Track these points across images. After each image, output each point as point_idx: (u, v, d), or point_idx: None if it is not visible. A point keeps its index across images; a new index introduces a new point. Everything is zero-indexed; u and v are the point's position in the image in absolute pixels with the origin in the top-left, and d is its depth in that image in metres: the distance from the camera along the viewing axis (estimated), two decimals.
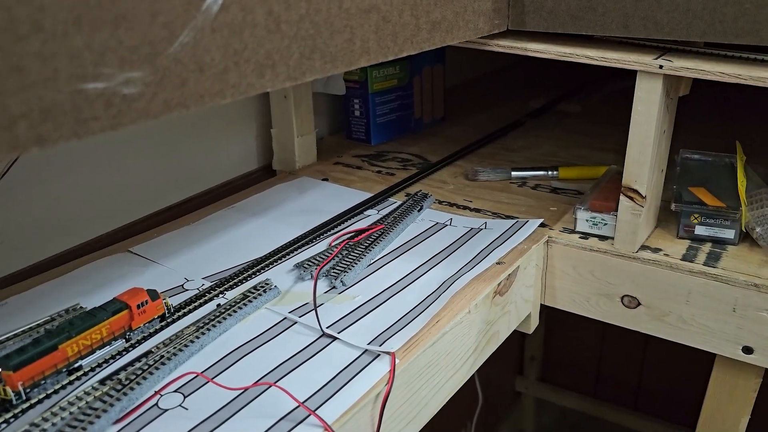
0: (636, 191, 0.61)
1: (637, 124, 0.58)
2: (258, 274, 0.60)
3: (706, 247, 0.64)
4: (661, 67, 0.55)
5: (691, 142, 0.79)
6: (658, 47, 0.59)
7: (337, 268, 0.59)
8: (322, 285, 0.58)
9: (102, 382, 0.45)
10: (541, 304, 0.71)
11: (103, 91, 0.28)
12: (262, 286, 0.56)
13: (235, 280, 0.58)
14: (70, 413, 0.41)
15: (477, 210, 0.73)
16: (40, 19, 0.25)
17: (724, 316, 0.60)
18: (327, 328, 0.51)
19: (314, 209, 0.73)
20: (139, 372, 0.45)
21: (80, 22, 0.26)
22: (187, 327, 0.51)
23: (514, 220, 0.69)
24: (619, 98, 1.11)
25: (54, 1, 0.25)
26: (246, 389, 0.44)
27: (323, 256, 0.61)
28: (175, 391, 0.45)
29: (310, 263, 0.60)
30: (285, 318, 0.53)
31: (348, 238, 0.64)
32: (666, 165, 0.65)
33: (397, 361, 0.47)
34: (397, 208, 0.72)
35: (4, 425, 0.42)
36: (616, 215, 0.63)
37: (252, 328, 0.52)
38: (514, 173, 0.82)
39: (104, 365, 0.47)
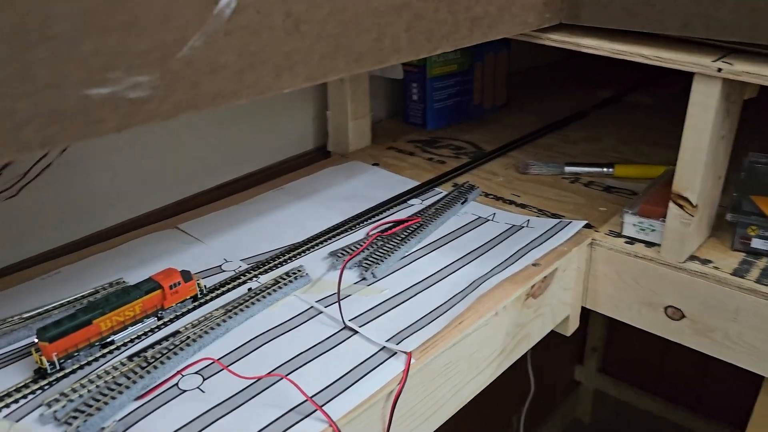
0: (686, 199, 0.58)
1: (691, 129, 0.55)
2: (293, 259, 0.61)
3: (762, 262, 0.60)
4: (719, 70, 0.51)
5: (762, 145, 0.74)
6: (721, 47, 0.55)
7: (370, 259, 0.59)
8: (354, 275, 0.58)
9: (130, 358, 0.47)
10: (582, 307, 0.69)
11: (109, 96, 0.29)
12: (294, 273, 0.57)
13: (270, 265, 0.59)
14: (97, 386, 0.44)
15: (523, 206, 0.72)
16: (48, 28, 0.26)
17: None
18: (350, 320, 0.52)
19: (359, 195, 0.73)
20: (165, 351, 0.47)
21: (88, 30, 0.27)
22: (216, 309, 0.53)
23: (558, 220, 0.67)
24: None
25: (62, 9, 0.26)
26: (258, 379, 0.45)
27: (357, 246, 0.61)
28: (196, 372, 0.47)
29: (343, 252, 0.60)
30: (311, 307, 0.54)
31: (383, 229, 0.64)
32: (725, 171, 0.62)
33: (413, 361, 0.48)
34: (441, 199, 0.71)
35: (39, 391, 0.45)
36: (665, 222, 0.60)
37: (278, 315, 0.53)
38: (567, 168, 0.79)
39: (136, 341, 0.50)
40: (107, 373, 0.46)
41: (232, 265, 0.60)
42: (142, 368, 0.46)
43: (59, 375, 0.46)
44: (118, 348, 0.49)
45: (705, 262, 0.60)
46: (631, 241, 0.64)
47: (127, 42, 0.29)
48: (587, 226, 0.66)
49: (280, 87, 0.36)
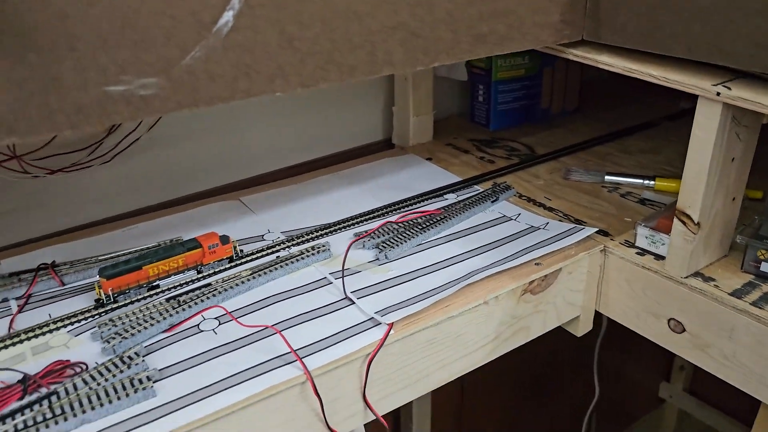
0: (689, 216, 0.59)
1: (694, 149, 0.57)
2: (324, 236, 0.69)
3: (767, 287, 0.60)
4: (718, 94, 0.53)
5: None
6: (735, 70, 0.56)
7: (388, 242, 0.67)
8: (370, 255, 0.66)
9: (167, 299, 0.58)
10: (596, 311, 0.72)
11: (123, 93, 0.39)
12: (319, 248, 0.66)
13: (303, 239, 0.69)
14: (137, 318, 0.55)
15: (550, 209, 0.75)
16: (74, 44, 0.36)
17: (766, 361, 0.57)
18: (351, 292, 0.60)
19: (404, 186, 0.81)
20: (195, 298, 0.58)
21: (105, 46, 0.37)
22: (245, 270, 0.63)
23: (572, 225, 0.70)
24: None
25: (84, 31, 0.36)
26: (258, 328, 0.54)
27: (378, 230, 0.69)
28: (215, 318, 0.57)
29: (363, 234, 0.68)
30: (324, 278, 0.62)
31: (401, 217, 0.71)
32: (742, 194, 0.62)
33: (392, 332, 0.55)
34: (474, 195, 0.77)
35: (97, 316, 0.57)
36: None
37: (295, 281, 0.62)
38: (607, 177, 0.81)
39: (178, 288, 0.61)
40: (147, 309, 0.57)
41: (272, 236, 0.70)
42: (174, 309, 0.57)
43: (112, 306, 0.58)
44: (162, 291, 0.60)
45: (708, 279, 0.61)
46: (642, 252, 0.66)
47: (137, 54, 0.38)
48: (604, 233, 0.69)
49: (273, 90, 0.44)
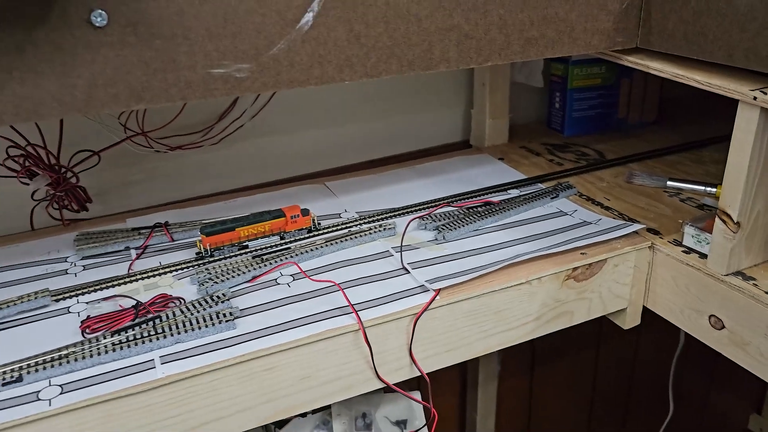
0: (729, 216, 0.63)
1: (735, 151, 0.60)
2: (392, 218, 0.78)
3: None
4: (755, 98, 0.57)
5: None
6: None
7: (447, 225, 0.74)
8: (430, 235, 0.74)
9: (253, 257, 0.69)
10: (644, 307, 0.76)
11: (222, 74, 0.49)
12: (386, 226, 0.74)
13: (374, 218, 0.78)
14: (227, 268, 0.67)
15: (608, 208, 0.80)
16: (187, 34, 0.47)
17: None
18: (408, 263, 0.68)
19: (471, 181, 0.88)
20: (275, 257, 0.68)
21: (210, 36, 0.48)
22: (320, 239, 0.72)
23: (622, 222, 0.74)
24: None
25: (196, 23, 0.47)
26: (324, 284, 0.64)
27: (435, 215, 0.76)
28: (290, 275, 0.67)
29: (426, 217, 0.76)
30: (387, 251, 0.71)
31: (461, 203, 0.78)
32: None
33: (438, 297, 0.62)
34: (536, 191, 0.83)
35: (196, 266, 0.69)
36: None
37: (361, 251, 0.71)
38: (669, 183, 0.84)
39: (263, 249, 0.71)
40: (236, 263, 0.68)
41: (348, 215, 0.80)
42: (257, 264, 0.67)
43: (209, 259, 0.69)
44: (250, 251, 0.71)
45: (748, 278, 0.64)
46: (688, 250, 0.70)
47: (234, 44, 0.49)
48: (654, 232, 0.73)
49: (342, 79, 0.54)
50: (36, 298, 0.62)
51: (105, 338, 0.56)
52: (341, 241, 0.72)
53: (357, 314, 0.59)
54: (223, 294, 0.62)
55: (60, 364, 0.53)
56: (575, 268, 0.69)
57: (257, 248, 0.72)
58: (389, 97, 0.97)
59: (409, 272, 0.67)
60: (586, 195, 0.84)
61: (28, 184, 0.73)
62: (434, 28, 0.56)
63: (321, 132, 0.94)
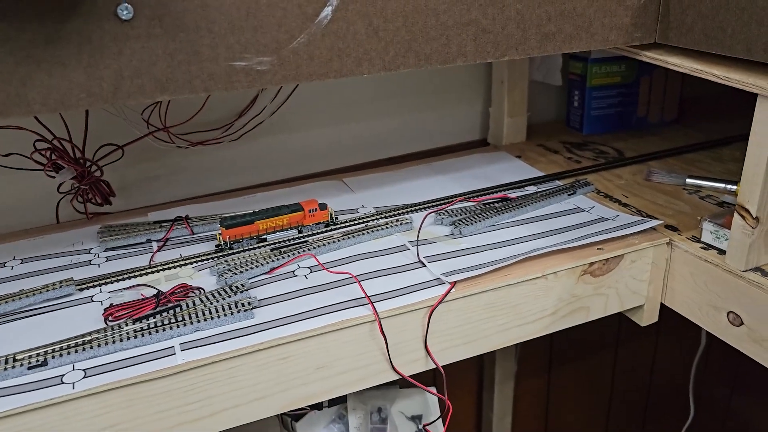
0: (748, 211, 0.62)
1: (753, 145, 0.60)
2: (408, 213, 0.79)
3: None
4: None
5: None
6: None
7: (463, 220, 0.75)
8: (447, 230, 0.75)
9: (272, 250, 0.70)
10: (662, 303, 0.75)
11: (244, 67, 0.50)
12: (402, 221, 0.75)
13: (390, 213, 0.78)
14: (246, 260, 0.68)
15: (626, 205, 0.80)
16: (210, 27, 0.48)
17: None
18: (424, 257, 0.68)
19: (488, 177, 0.88)
20: (293, 249, 0.69)
21: (233, 29, 0.49)
22: (337, 233, 0.73)
23: (639, 218, 0.74)
24: None
25: (218, 17, 0.48)
26: (341, 276, 0.64)
27: (452, 210, 0.77)
28: (308, 267, 0.68)
29: (443, 212, 0.77)
30: (404, 245, 0.72)
31: (478, 198, 0.79)
32: None
33: (453, 290, 0.63)
34: (553, 188, 0.83)
35: (216, 258, 0.70)
36: None
37: (378, 245, 0.72)
38: (689, 180, 0.84)
39: (281, 242, 0.72)
40: (255, 255, 0.69)
41: (365, 210, 0.80)
42: (275, 256, 0.68)
43: (228, 251, 0.71)
44: (269, 244, 0.72)
45: (767, 274, 0.64)
46: (707, 247, 0.69)
47: (256, 37, 0.50)
48: (672, 228, 0.73)
49: (360, 72, 0.55)
50: (61, 287, 0.63)
51: (127, 325, 0.57)
52: (358, 235, 0.73)
53: (373, 305, 0.60)
54: (241, 284, 0.63)
55: (84, 349, 0.55)
56: (592, 263, 0.69)
57: (275, 241, 0.73)
58: (407, 95, 0.97)
59: (425, 265, 0.67)
60: (604, 192, 0.84)
61: (53, 177, 0.75)
62: (452, 22, 0.57)
63: (339, 129, 0.95)
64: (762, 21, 0.56)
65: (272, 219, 0.72)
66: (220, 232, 0.71)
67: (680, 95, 1.07)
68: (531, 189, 0.85)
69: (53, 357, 0.54)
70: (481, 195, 0.82)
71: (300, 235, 0.74)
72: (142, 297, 0.62)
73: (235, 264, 0.67)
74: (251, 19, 0.50)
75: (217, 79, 0.50)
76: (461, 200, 0.80)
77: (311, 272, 0.67)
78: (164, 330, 0.57)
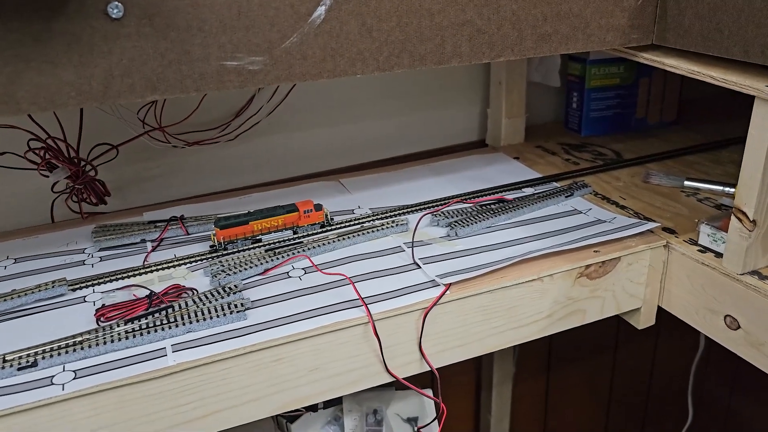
0: (745, 214, 0.62)
1: (750, 147, 0.60)
2: (405, 214, 0.78)
3: None
4: None
5: None
6: None
7: (459, 222, 0.74)
8: (443, 231, 0.74)
9: (266, 250, 0.70)
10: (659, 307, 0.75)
11: (236, 67, 0.50)
12: (398, 222, 0.75)
13: (386, 215, 0.78)
14: (240, 261, 0.67)
15: (623, 207, 0.79)
16: (201, 26, 0.48)
17: None
18: (419, 259, 0.68)
19: (485, 179, 0.88)
20: (288, 250, 0.69)
21: (224, 29, 0.49)
22: (332, 234, 0.73)
23: (636, 220, 0.74)
24: None
25: (209, 17, 0.48)
26: (335, 277, 0.64)
27: (448, 211, 0.76)
28: (302, 268, 0.67)
29: (439, 213, 0.76)
30: (399, 246, 0.71)
31: (475, 199, 0.78)
32: None
33: (448, 292, 0.62)
34: (550, 189, 0.82)
35: (210, 258, 0.70)
36: None
37: (373, 246, 0.71)
38: (687, 182, 0.83)
39: (275, 243, 0.72)
40: (249, 256, 0.69)
41: (361, 211, 0.80)
42: (269, 257, 0.68)
43: (222, 252, 0.70)
44: (263, 244, 0.72)
45: (764, 278, 0.63)
46: (704, 249, 0.69)
47: (248, 37, 0.50)
48: (670, 231, 0.72)
49: (354, 72, 0.54)
50: (53, 287, 0.63)
51: (119, 326, 0.57)
52: (353, 236, 0.72)
53: (366, 307, 0.60)
54: (235, 285, 0.63)
55: (74, 350, 0.54)
56: (588, 266, 0.68)
57: (270, 242, 0.72)
58: (405, 96, 0.97)
59: (420, 267, 0.67)
60: (601, 194, 0.83)
61: (47, 177, 0.74)
62: (447, 23, 0.56)
63: (336, 130, 0.94)
64: (759, 23, 0.56)
65: (267, 219, 0.72)
66: (214, 232, 0.71)
67: (679, 97, 1.06)
68: (528, 190, 0.84)
69: (43, 358, 0.53)
70: (477, 196, 0.82)
71: (295, 236, 0.74)
72: (134, 298, 0.62)
73: (228, 265, 0.67)
74: (243, 19, 0.49)
75: (208, 79, 0.50)
76: (458, 201, 0.80)
77: (305, 273, 0.67)
78: (156, 331, 0.57)
